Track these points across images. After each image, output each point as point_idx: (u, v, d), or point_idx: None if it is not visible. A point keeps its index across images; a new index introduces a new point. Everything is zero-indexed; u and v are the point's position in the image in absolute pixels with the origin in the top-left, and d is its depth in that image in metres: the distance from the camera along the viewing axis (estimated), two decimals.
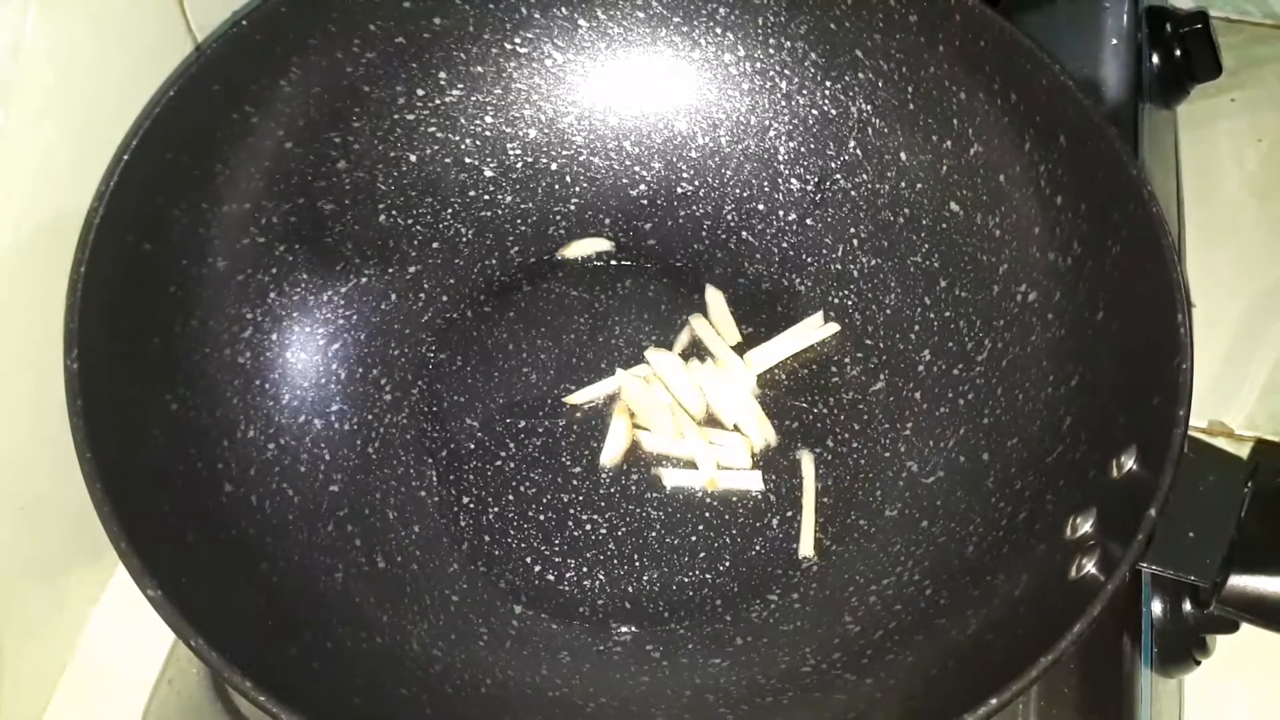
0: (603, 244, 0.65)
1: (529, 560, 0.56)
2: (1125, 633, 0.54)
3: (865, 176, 0.63)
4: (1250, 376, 0.70)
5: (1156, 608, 0.55)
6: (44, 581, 0.56)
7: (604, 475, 0.59)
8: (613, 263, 0.65)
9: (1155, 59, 0.78)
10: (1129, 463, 0.48)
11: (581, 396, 0.61)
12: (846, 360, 0.62)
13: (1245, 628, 0.51)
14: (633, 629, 0.54)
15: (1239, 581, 0.43)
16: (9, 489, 0.52)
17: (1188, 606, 0.54)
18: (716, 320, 0.63)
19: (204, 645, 0.41)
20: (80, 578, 0.59)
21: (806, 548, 0.57)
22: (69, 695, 0.57)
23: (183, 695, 0.55)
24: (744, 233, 0.65)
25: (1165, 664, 0.55)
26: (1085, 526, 0.48)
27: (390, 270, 0.62)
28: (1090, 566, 0.46)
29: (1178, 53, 0.78)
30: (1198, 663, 0.55)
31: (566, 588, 0.56)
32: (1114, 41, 0.74)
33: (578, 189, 0.66)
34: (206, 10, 0.59)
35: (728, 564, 0.56)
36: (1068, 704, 0.53)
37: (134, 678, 0.56)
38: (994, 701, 0.41)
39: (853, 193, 0.64)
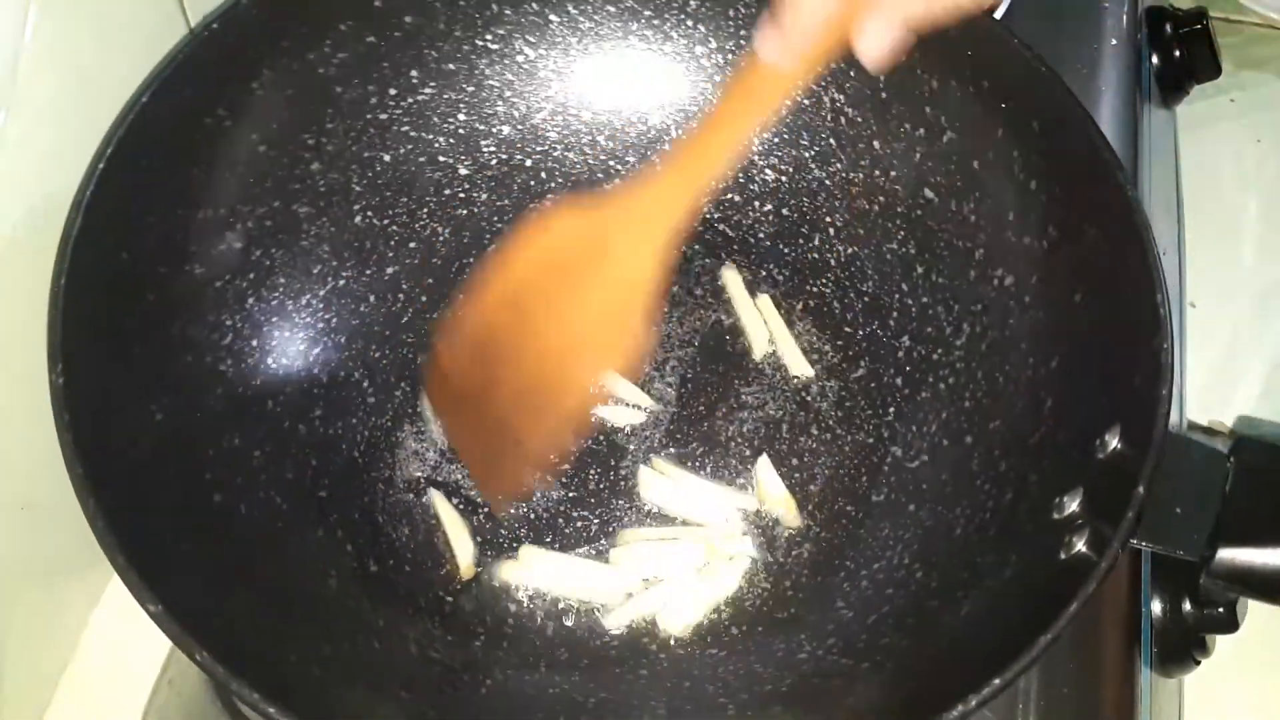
0: None
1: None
2: (1125, 633, 0.55)
3: (839, 165, 0.64)
4: (1249, 376, 0.71)
5: (1156, 608, 0.56)
6: (45, 582, 0.56)
7: (593, 471, 0.59)
8: None
9: (1155, 59, 0.79)
10: (1113, 442, 0.49)
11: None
12: (827, 348, 0.62)
13: (1245, 628, 0.52)
14: (627, 623, 0.55)
15: (1227, 554, 0.44)
16: (9, 490, 0.52)
17: (1188, 606, 0.55)
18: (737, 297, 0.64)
19: (209, 659, 0.41)
20: (81, 578, 0.58)
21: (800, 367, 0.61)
22: (69, 695, 0.57)
23: (183, 695, 0.55)
24: (721, 224, 0.66)
25: (1165, 664, 0.56)
26: (1072, 506, 0.49)
27: (368, 272, 0.62)
28: (1080, 546, 0.47)
29: (1178, 53, 0.79)
30: (1198, 663, 0.56)
31: (561, 584, 0.56)
32: (1114, 41, 0.75)
33: (553, 185, 0.66)
34: (207, 10, 0.57)
35: None
36: (1068, 704, 0.53)
37: (134, 678, 0.56)
38: (997, 682, 0.41)
39: (827, 182, 0.64)
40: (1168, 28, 0.79)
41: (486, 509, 0.57)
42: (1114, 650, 0.55)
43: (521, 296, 0.51)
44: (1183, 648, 0.56)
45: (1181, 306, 0.71)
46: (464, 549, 0.56)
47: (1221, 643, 0.56)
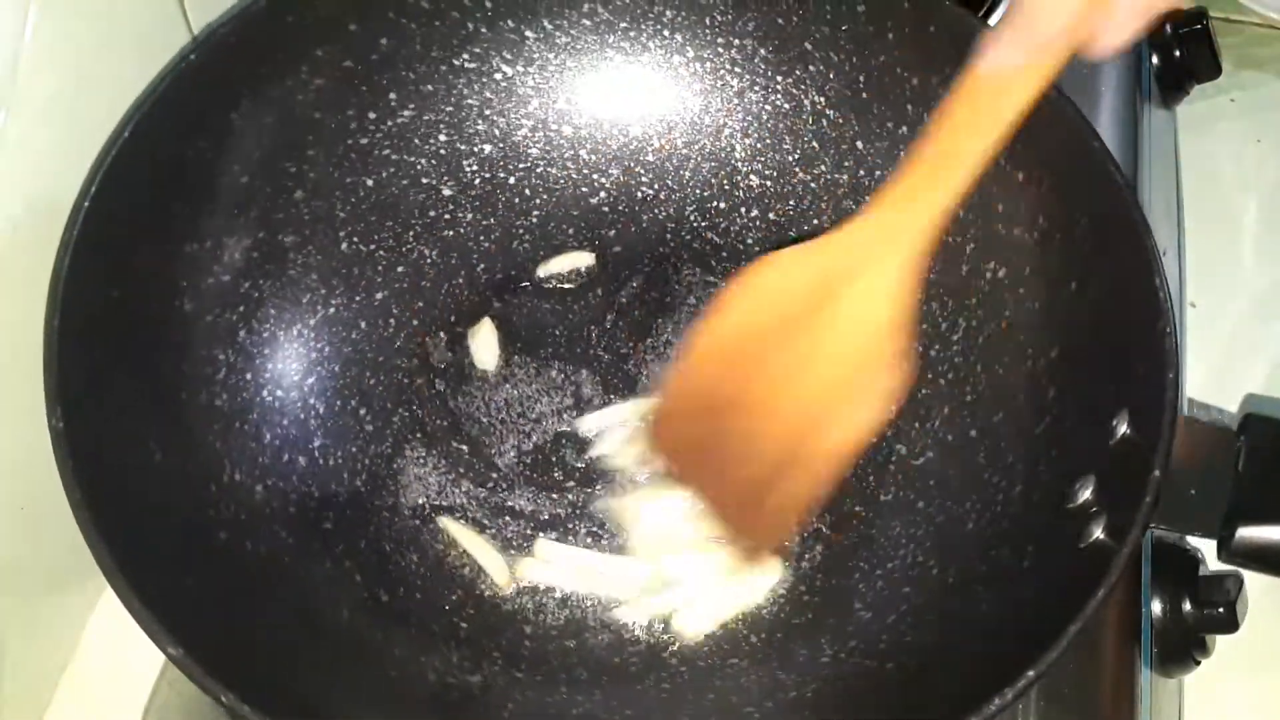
0: (584, 257, 0.64)
1: (534, 578, 0.56)
2: (1125, 633, 0.55)
3: (823, 168, 0.64)
4: (1249, 376, 0.72)
5: (1156, 608, 0.56)
6: (45, 582, 0.56)
7: (597, 488, 0.58)
8: (580, 274, 0.64)
9: (1155, 59, 0.79)
10: (1122, 428, 0.49)
11: (590, 424, 0.60)
12: None
13: (1245, 628, 0.52)
14: (646, 638, 0.54)
15: (1246, 533, 0.45)
16: (9, 490, 0.51)
17: (1188, 606, 0.55)
18: None
19: (235, 699, 0.40)
20: (80, 578, 0.58)
21: None
22: (69, 695, 0.57)
23: (183, 695, 0.54)
24: (709, 232, 0.65)
25: (1165, 664, 0.56)
26: (1085, 494, 0.49)
27: (357, 298, 0.61)
28: (1098, 533, 0.47)
29: (1178, 53, 0.78)
30: (1198, 663, 0.56)
31: (574, 601, 0.55)
32: None
33: (538, 201, 0.65)
34: (207, 11, 0.58)
35: None
36: (1068, 704, 0.53)
37: (134, 678, 0.55)
38: (1031, 674, 0.41)
39: (812, 185, 0.64)
40: (1168, 28, 0.79)
41: (494, 530, 0.57)
42: (1114, 650, 0.55)
43: (743, 353, 0.47)
44: (1183, 648, 0.56)
45: (1181, 306, 0.71)
46: (495, 564, 0.55)
47: (1221, 643, 0.56)
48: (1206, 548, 0.51)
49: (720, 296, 0.48)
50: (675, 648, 0.54)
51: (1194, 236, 0.76)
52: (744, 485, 0.48)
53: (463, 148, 0.64)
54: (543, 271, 0.64)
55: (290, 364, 0.58)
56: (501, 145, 0.65)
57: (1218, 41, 0.78)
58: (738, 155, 0.65)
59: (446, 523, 0.57)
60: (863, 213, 0.45)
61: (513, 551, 0.56)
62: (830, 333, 0.46)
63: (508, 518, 0.57)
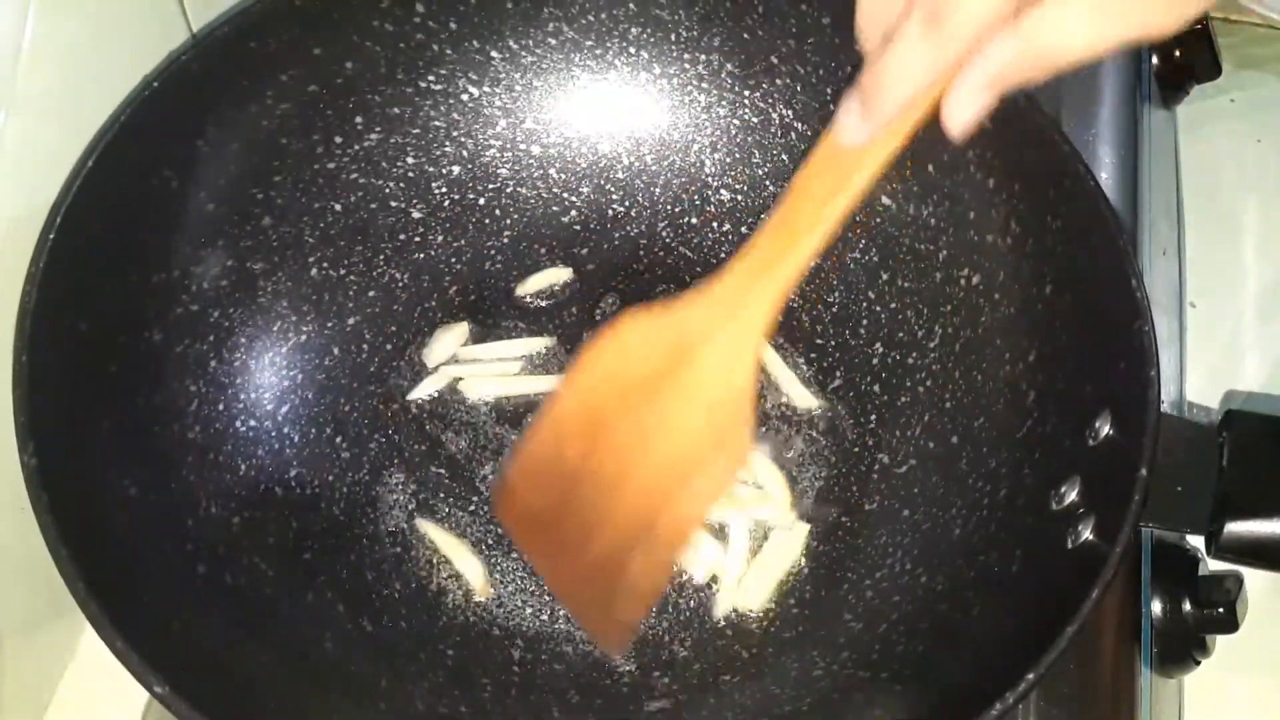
0: (563, 273, 0.64)
1: (520, 603, 0.55)
2: (1125, 633, 0.55)
3: None
4: (1249, 376, 0.72)
5: (1156, 608, 0.56)
6: (45, 582, 0.54)
7: None
8: (555, 292, 0.64)
9: (1155, 59, 0.79)
10: (1105, 428, 0.49)
11: None
12: (801, 361, 0.62)
13: (1245, 628, 0.52)
14: (635, 658, 0.54)
15: (1235, 528, 0.45)
16: (9, 489, 0.49)
17: (1188, 606, 0.55)
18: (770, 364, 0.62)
19: None
20: None
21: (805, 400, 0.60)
22: (69, 695, 0.57)
23: None
24: (681, 248, 0.65)
25: (1165, 664, 0.56)
26: (1071, 496, 0.49)
27: (329, 324, 0.60)
28: (1087, 534, 0.47)
29: (1178, 53, 0.79)
30: (1198, 663, 0.56)
31: (561, 625, 0.54)
32: None
33: (508, 221, 0.65)
34: (207, 10, 0.58)
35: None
36: (1068, 704, 0.53)
37: (134, 678, 0.54)
38: (1031, 677, 0.41)
39: None
40: None
41: (476, 538, 0.56)
42: (1114, 650, 0.55)
43: (598, 417, 0.46)
44: (1183, 648, 0.56)
45: (1181, 306, 0.71)
46: (473, 570, 0.55)
47: (1221, 643, 0.56)
48: None
49: (576, 360, 0.47)
50: (666, 668, 0.53)
51: (1194, 236, 0.76)
52: (594, 560, 0.47)
53: (431, 170, 0.64)
54: (522, 290, 0.64)
55: (263, 393, 0.57)
56: (470, 166, 0.64)
57: (1218, 41, 0.78)
58: (707, 170, 0.65)
59: (428, 526, 0.56)
60: (717, 278, 0.45)
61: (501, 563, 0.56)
62: (682, 398, 0.46)
63: (490, 541, 0.56)
